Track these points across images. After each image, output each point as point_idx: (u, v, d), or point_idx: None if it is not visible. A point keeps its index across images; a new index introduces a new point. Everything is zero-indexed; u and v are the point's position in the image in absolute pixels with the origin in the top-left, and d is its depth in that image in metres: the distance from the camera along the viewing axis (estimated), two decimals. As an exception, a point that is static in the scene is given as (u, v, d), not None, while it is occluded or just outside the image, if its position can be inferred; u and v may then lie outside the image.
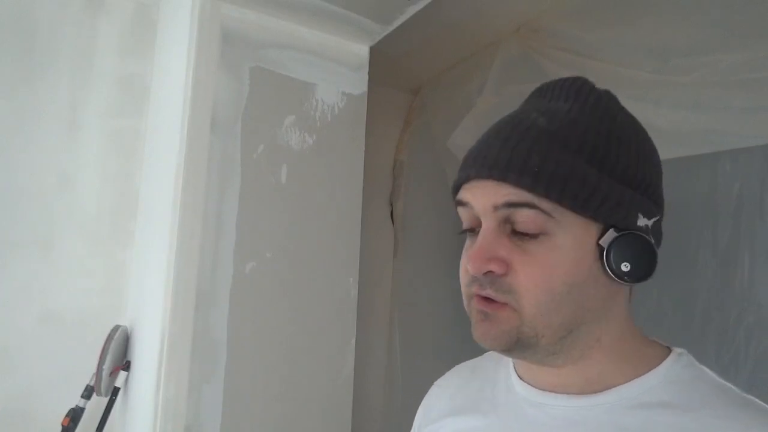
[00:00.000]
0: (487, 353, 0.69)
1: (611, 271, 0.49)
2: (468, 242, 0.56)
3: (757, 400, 0.49)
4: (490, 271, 0.51)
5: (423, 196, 2.18)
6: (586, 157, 0.50)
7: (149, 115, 1.65)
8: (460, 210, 0.56)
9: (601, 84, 0.57)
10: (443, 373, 0.74)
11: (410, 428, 0.72)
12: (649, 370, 0.52)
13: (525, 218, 0.50)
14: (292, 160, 1.38)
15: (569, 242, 0.50)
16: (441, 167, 2.00)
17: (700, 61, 1.17)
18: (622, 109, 0.56)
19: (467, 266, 0.52)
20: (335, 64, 1.48)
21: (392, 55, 1.84)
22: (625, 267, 0.49)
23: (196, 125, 1.26)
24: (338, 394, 1.40)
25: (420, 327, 2.09)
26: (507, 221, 0.51)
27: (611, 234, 0.50)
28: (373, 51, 1.55)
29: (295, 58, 1.41)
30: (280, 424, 1.30)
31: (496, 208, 0.51)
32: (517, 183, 0.49)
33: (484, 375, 0.67)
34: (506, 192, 0.50)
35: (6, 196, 1.47)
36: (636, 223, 0.51)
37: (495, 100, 1.68)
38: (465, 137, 1.76)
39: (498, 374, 0.63)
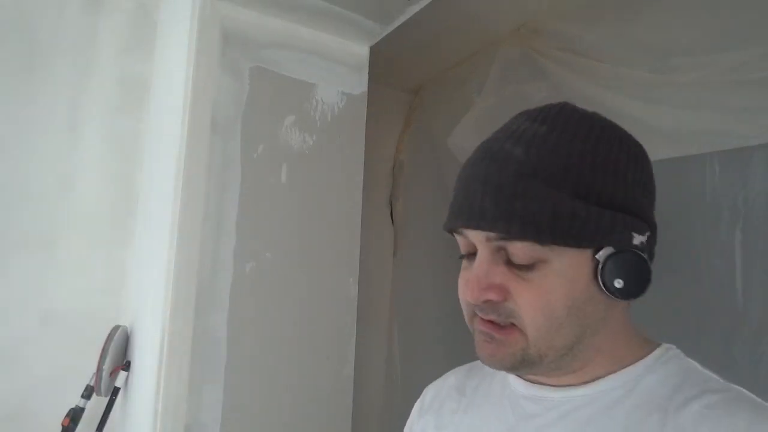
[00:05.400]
0: None
1: (605, 287, 0.50)
2: (465, 263, 0.57)
3: (741, 397, 0.49)
4: (489, 299, 0.52)
5: (423, 196, 2.17)
6: (571, 188, 0.49)
7: (149, 115, 1.65)
8: (458, 237, 0.57)
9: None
10: (443, 373, 0.75)
11: (410, 428, 0.73)
12: (632, 363, 0.54)
13: (519, 250, 0.50)
14: (292, 160, 1.38)
15: (565, 266, 0.50)
16: (441, 167, 2.00)
17: (700, 61, 1.17)
18: (608, 127, 0.54)
19: (465, 293, 0.53)
20: (335, 64, 1.48)
21: (392, 55, 1.84)
22: (618, 284, 0.50)
23: (196, 125, 1.26)
24: (338, 394, 1.39)
25: (420, 327, 2.09)
26: (502, 248, 0.52)
27: (606, 251, 0.50)
28: (373, 51, 1.55)
29: (295, 58, 1.41)
30: (280, 424, 1.30)
31: (489, 240, 0.52)
32: (507, 231, 0.49)
33: (481, 374, 0.68)
34: (497, 233, 0.51)
35: (6, 196, 1.47)
36: (631, 242, 0.51)
37: (495, 100, 1.68)
38: (464, 137, 1.76)
39: (495, 372, 0.64)
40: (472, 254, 0.55)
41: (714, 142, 1.17)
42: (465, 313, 0.57)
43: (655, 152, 0.60)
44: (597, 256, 0.50)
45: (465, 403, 0.65)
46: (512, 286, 0.51)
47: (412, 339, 2.09)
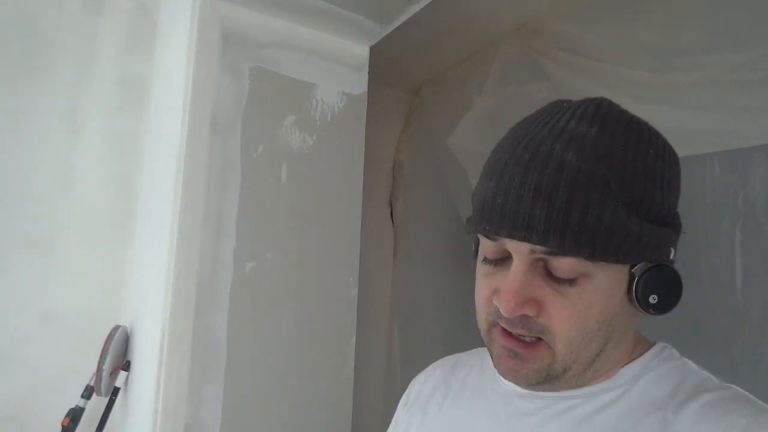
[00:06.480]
0: (474, 350, 0.69)
1: (638, 302, 0.50)
2: (488, 269, 0.53)
3: (740, 396, 0.50)
4: (524, 314, 0.49)
5: (423, 196, 2.18)
6: (625, 201, 0.47)
7: (149, 115, 1.65)
8: (485, 240, 0.53)
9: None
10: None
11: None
12: (628, 362, 0.54)
13: (565, 265, 0.48)
14: (292, 160, 1.38)
15: (605, 281, 0.49)
16: (441, 167, 2.00)
17: (700, 61, 1.17)
18: (653, 133, 0.53)
19: (495, 302, 0.51)
20: (335, 64, 1.48)
21: (392, 55, 1.83)
22: (652, 299, 0.49)
23: (196, 125, 1.26)
24: (338, 394, 1.39)
25: (420, 327, 2.09)
26: (542, 260, 0.49)
27: (643, 265, 0.50)
28: (373, 51, 1.55)
29: (295, 58, 1.41)
30: (280, 424, 1.30)
31: (533, 252, 0.48)
32: (560, 246, 0.46)
33: (468, 365, 0.67)
34: (546, 247, 0.48)
35: (7, 196, 1.47)
36: (669, 257, 0.51)
37: (495, 100, 1.68)
38: (464, 137, 1.76)
39: (483, 366, 0.64)
40: (500, 260, 0.52)
41: (714, 142, 1.17)
42: (482, 321, 0.54)
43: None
44: (633, 270, 0.50)
45: (452, 397, 0.64)
46: (548, 300, 0.49)
47: (412, 339, 2.09)
